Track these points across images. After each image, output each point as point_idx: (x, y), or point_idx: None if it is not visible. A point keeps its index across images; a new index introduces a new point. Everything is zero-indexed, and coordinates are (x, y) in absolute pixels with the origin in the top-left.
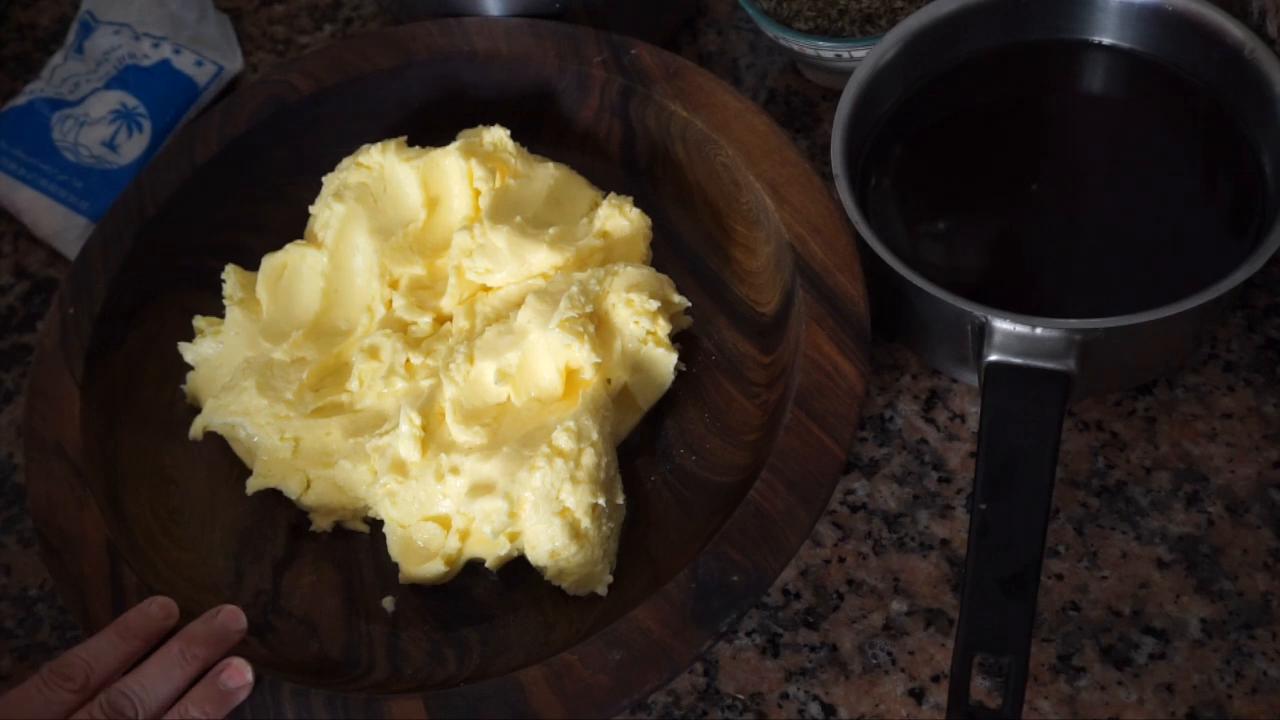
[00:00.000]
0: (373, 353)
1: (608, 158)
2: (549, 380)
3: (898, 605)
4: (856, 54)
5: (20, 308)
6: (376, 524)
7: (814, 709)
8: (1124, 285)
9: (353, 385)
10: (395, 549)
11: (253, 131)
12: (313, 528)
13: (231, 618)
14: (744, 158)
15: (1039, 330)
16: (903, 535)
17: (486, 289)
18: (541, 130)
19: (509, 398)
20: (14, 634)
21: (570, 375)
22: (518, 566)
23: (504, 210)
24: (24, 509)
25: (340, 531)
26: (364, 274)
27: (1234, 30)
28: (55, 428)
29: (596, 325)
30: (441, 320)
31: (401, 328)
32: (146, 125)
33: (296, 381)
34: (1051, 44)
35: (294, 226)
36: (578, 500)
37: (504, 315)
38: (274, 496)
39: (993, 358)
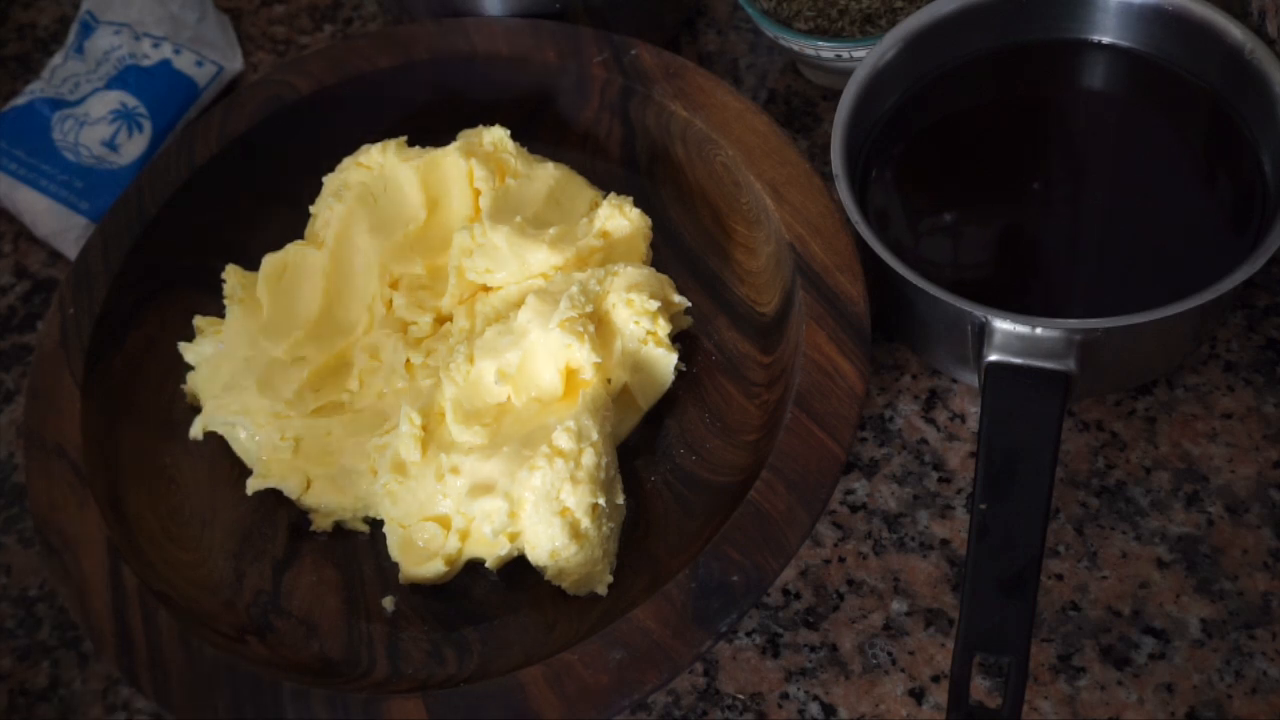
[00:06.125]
0: (373, 352)
1: (608, 158)
2: (549, 380)
3: (898, 605)
4: (856, 54)
5: (20, 308)
6: (376, 524)
7: (814, 709)
8: (1124, 285)
9: (353, 385)
10: (395, 549)
11: (253, 131)
12: (313, 528)
13: None
14: (744, 158)
15: (1039, 330)
16: (903, 535)
17: (486, 289)
18: (541, 130)
19: (509, 398)
20: (14, 634)
21: (570, 375)
22: (518, 566)
23: (504, 210)
24: (24, 509)
25: (340, 531)
26: (364, 274)
27: (1234, 30)
28: (55, 428)
29: (596, 325)
30: (441, 320)
31: (401, 328)
32: (146, 125)
33: (296, 381)
34: (1051, 44)
35: (294, 226)
36: (578, 500)
37: (504, 315)
38: (274, 496)
39: (993, 358)
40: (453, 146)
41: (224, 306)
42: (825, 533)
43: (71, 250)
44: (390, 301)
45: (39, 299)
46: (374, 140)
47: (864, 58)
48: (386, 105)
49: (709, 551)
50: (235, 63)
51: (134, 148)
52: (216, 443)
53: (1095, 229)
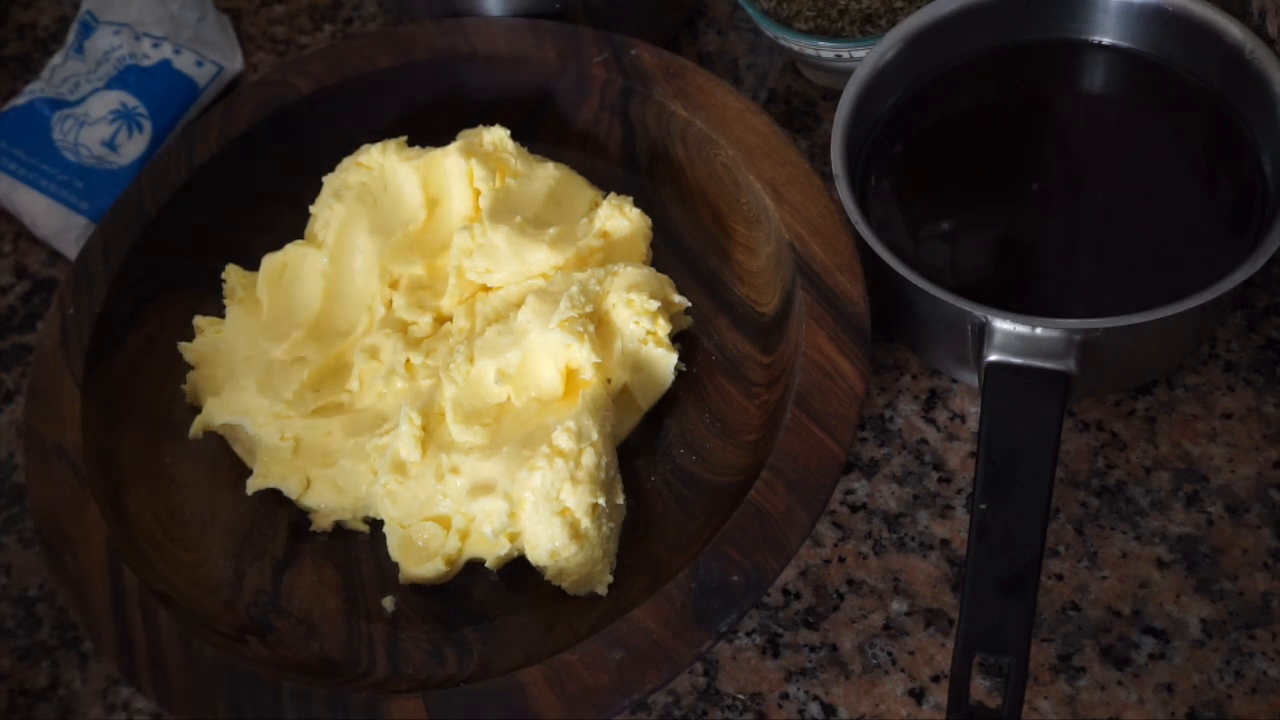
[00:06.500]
0: (373, 353)
1: (608, 158)
2: (549, 380)
3: (898, 605)
4: (856, 54)
5: (20, 308)
6: (376, 524)
7: (814, 709)
8: (1124, 285)
9: (353, 385)
10: (395, 549)
11: (253, 131)
12: (313, 528)
13: None
14: (744, 158)
15: (1039, 330)
16: (903, 535)
17: (486, 289)
18: (541, 130)
19: (509, 398)
20: (14, 634)
21: (570, 375)
22: (518, 566)
23: (504, 210)
24: (24, 509)
25: (340, 531)
26: (364, 274)
27: (1234, 30)
28: (55, 428)
29: (596, 325)
30: (441, 320)
31: (401, 328)
32: (146, 125)
33: (296, 381)
34: (1051, 44)
35: (294, 226)
36: (578, 500)
37: (504, 315)
38: (274, 496)
39: (993, 358)
40: (453, 146)
41: (224, 306)
42: (825, 533)
43: (71, 250)
44: (390, 301)
45: (39, 299)
46: (374, 140)
47: (864, 58)
48: (386, 105)
49: (709, 551)
50: (235, 63)
51: (134, 148)
52: (216, 443)
53: (1095, 229)
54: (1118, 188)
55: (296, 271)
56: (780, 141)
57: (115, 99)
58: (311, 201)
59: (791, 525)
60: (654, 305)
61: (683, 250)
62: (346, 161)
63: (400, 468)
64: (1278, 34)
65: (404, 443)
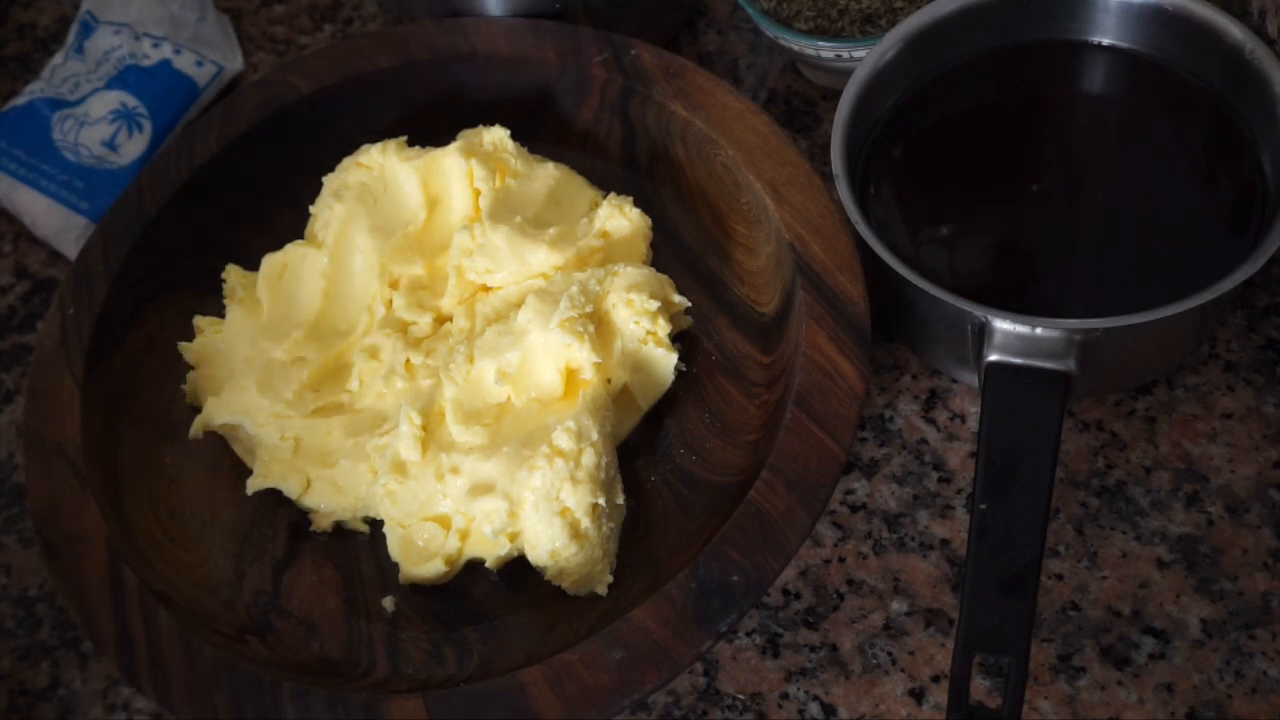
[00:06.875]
0: (373, 353)
1: (608, 158)
2: (549, 380)
3: (898, 605)
4: (856, 54)
5: (20, 308)
6: (376, 524)
7: (814, 709)
8: (1124, 285)
9: (353, 385)
10: (395, 549)
11: (253, 131)
12: (313, 528)
13: None
14: (744, 158)
15: (1039, 330)
16: (903, 535)
17: (486, 289)
18: (541, 130)
19: (509, 398)
20: (14, 634)
21: (570, 375)
22: (518, 566)
23: (504, 210)
24: (24, 509)
25: (340, 531)
26: (364, 274)
27: (1234, 30)
28: (55, 428)
29: (596, 325)
30: (441, 320)
31: (401, 328)
32: (146, 125)
33: (296, 381)
34: (1051, 44)
35: (294, 226)
36: (578, 500)
37: (504, 315)
38: (274, 496)
39: (993, 358)
40: (453, 146)
41: (224, 306)
42: (825, 533)
43: (71, 250)
44: (390, 301)
45: (39, 299)
46: (374, 140)
47: (864, 58)
48: (386, 105)
49: (709, 551)
50: (235, 63)
51: (134, 148)
52: (216, 443)
53: (1095, 229)
54: (1118, 188)
55: (296, 271)
56: (780, 141)
57: (115, 99)
58: (311, 201)
59: (791, 525)
60: (654, 305)
61: (683, 250)
62: (346, 161)
63: (400, 468)
64: (1278, 34)
65: (404, 443)
